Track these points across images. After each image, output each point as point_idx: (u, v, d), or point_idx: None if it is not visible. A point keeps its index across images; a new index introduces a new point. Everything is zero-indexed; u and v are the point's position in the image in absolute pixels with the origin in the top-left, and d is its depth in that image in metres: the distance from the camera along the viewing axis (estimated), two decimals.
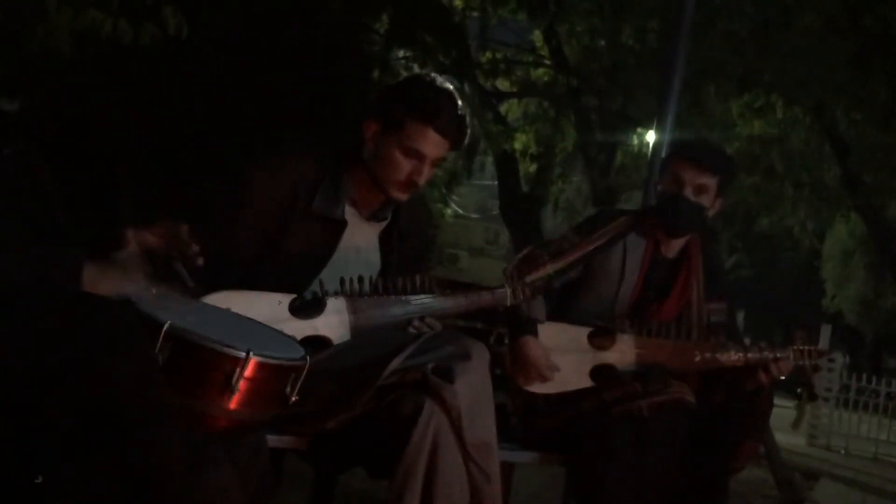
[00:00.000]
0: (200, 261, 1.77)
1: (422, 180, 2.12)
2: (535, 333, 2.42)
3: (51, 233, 1.48)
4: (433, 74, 2.25)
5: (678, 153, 2.63)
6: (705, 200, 2.53)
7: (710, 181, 2.52)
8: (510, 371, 2.44)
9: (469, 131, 2.19)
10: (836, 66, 8.06)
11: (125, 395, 1.20)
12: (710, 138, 8.35)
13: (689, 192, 2.50)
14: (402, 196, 2.15)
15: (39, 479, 1.16)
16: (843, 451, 9.85)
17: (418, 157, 2.09)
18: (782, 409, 3.05)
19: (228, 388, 1.54)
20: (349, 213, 2.18)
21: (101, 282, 1.48)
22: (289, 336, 1.85)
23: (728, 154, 2.78)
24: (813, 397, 2.71)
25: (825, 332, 10.31)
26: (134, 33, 3.63)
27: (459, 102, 2.14)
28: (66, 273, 1.41)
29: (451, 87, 2.17)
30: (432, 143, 2.09)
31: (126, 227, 1.69)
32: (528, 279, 2.29)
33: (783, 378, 2.50)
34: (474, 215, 22.50)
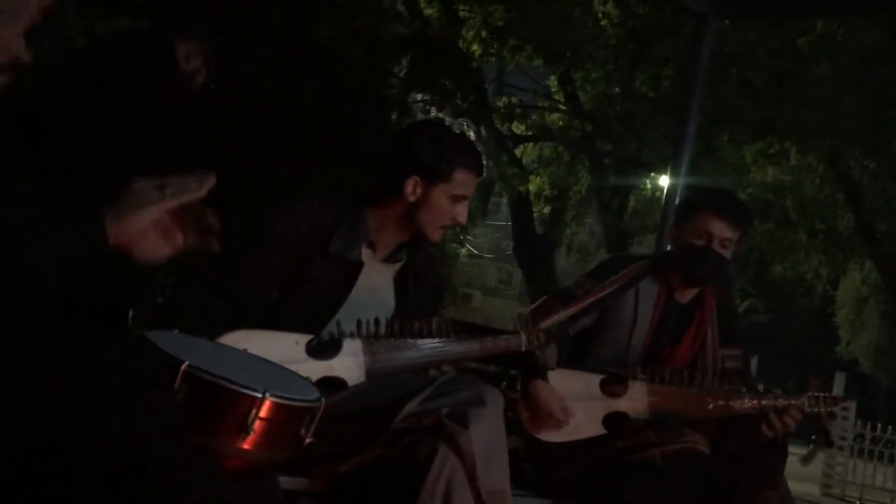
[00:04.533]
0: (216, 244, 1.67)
1: (465, 219, 2.26)
2: (545, 379, 2.43)
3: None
4: (444, 118, 2.32)
5: (708, 205, 2.57)
6: (727, 253, 2.55)
7: (735, 235, 2.54)
8: (522, 419, 2.44)
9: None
10: (850, 115, 8.10)
11: (148, 438, 1.21)
12: (725, 185, 8.38)
13: (716, 245, 2.52)
14: (440, 238, 2.28)
15: None
16: (857, 502, 9.69)
17: (463, 200, 2.23)
18: (795, 457, 3.03)
19: (244, 429, 1.54)
20: (365, 254, 2.21)
21: (124, 222, 1.41)
22: (304, 377, 1.87)
23: (747, 207, 2.80)
24: (829, 444, 2.70)
25: (840, 379, 10.22)
26: None
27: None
28: (89, 237, 1.38)
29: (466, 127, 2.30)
30: (473, 186, 2.25)
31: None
32: (543, 325, 2.31)
33: (796, 427, 2.49)
34: (488, 255, 22.54)
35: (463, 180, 2.20)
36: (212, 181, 1.54)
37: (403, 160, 2.20)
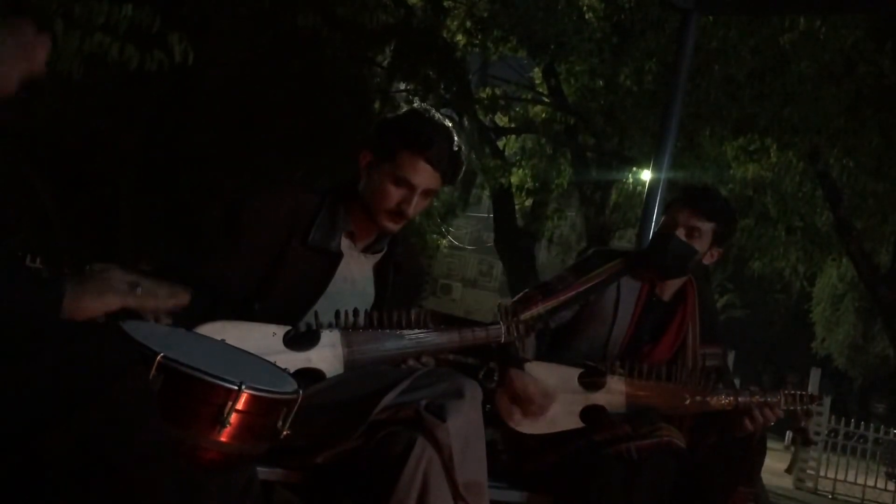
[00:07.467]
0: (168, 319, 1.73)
1: (410, 210, 2.12)
2: (521, 369, 2.42)
3: (49, 252, 1.48)
4: (432, 109, 2.27)
5: (677, 197, 2.66)
6: (697, 244, 2.55)
7: (704, 225, 2.54)
8: (500, 410, 2.44)
9: (463, 166, 2.21)
10: (830, 113, 8.17)
11: (122, 429, 1.20)
12: (706, 181, 8.44)
13: (680, 233, 2.53)
14: (392, 226, 2.16)
15: None
16: (830, 496, 9.82)
17: (408, 186, 2.10)
18: (770, 451, 3.06)
19: (220, 421, 1.53)
20: (345, 245, 2.19)
21: (81, 301, 1.46)
22: (282, 369, 1.85)
23: (728, 205, 2.73)
24: (807, 442, 2.72)
25: (815, 375, 10.34)
26: (140, 59, 3.68)
27: (455, 137, 2.16)
28: (46, 300, 1.40)
29: (447, 122, 2.18)
30: (423, 174, 2.10)
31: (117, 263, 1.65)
32: (522, 317, 2.30)
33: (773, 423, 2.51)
34: (469, 247, 22.54)
35: (408, 163, 2.08)
36: (184, 301, 1.58)
37: (367, 140, 2.19)
